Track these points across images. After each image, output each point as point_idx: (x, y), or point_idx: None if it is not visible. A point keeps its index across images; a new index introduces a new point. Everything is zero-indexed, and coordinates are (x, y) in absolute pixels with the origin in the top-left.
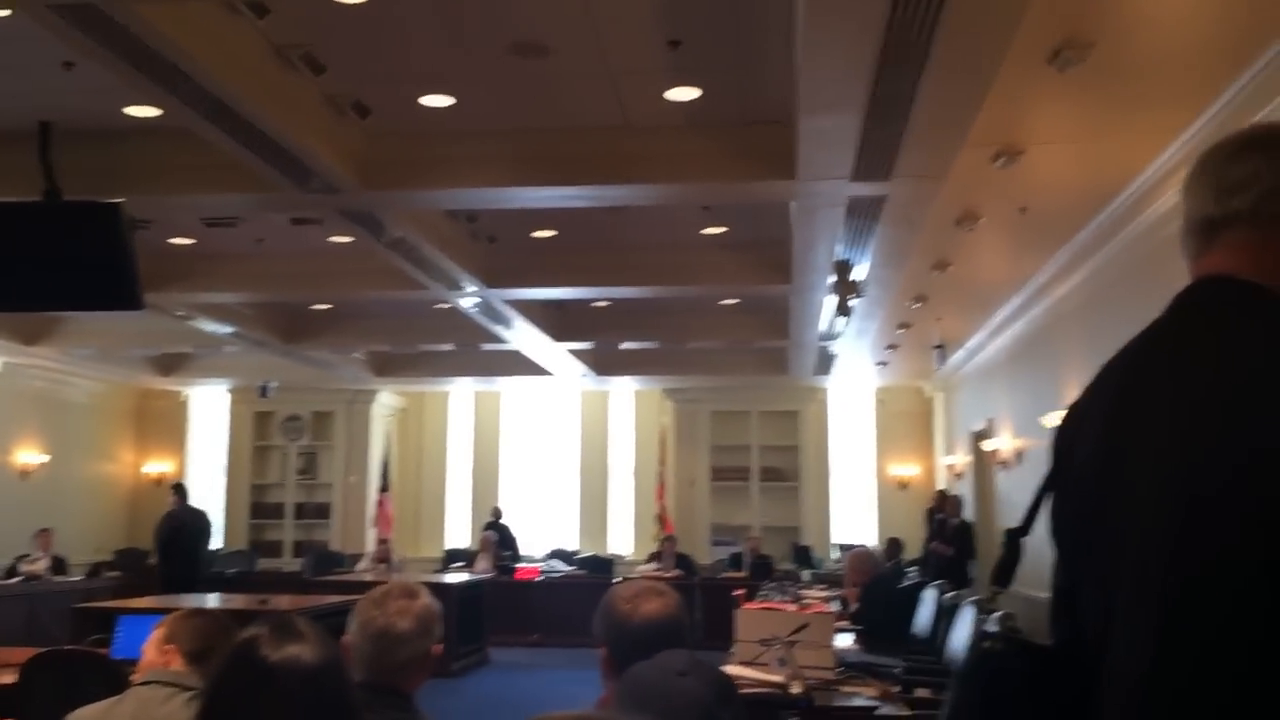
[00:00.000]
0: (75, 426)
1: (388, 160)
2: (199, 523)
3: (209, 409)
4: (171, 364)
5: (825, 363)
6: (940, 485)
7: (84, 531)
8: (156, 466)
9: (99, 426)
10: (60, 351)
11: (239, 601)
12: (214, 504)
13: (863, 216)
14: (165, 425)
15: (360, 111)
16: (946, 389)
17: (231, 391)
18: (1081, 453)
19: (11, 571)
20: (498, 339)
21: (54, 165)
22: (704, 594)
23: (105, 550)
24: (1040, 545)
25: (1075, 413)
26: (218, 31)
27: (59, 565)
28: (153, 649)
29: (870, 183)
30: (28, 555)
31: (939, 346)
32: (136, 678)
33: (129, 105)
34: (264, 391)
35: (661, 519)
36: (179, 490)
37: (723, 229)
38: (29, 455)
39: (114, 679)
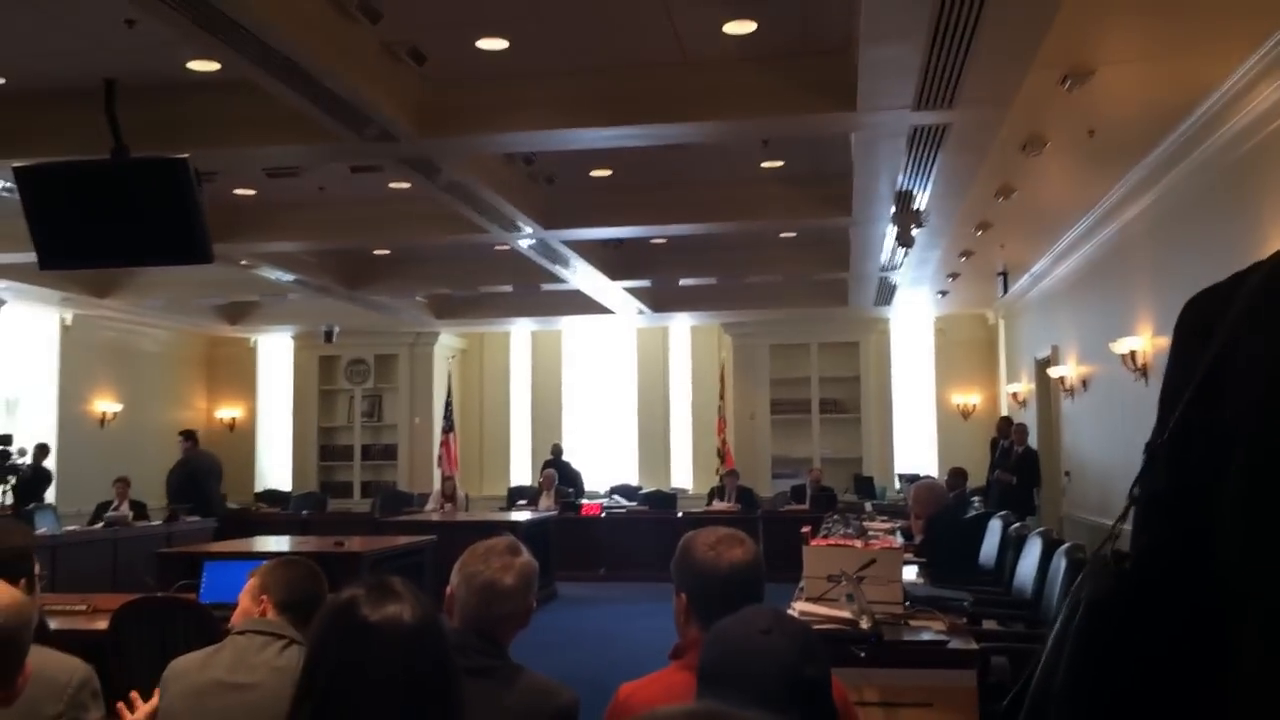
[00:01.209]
0: (148, 375)
1: (445, 106)
2: (213, 466)
3: (276, 355)
4: (238, 312)
5: (886, 293)
6: (1004, 413)
7: (161, 476)
8: (228, 412)
9: (171, 374)
10: (130, 303)
11: (313, 543)
12: (283, 447)
13: (925, 146)
14: (234, 372)
15: (416, 58)
16: (1010, 316)
17: (296, 337)
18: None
19: (96, 518)
20: (556, 279)
21: (120, 122)
22: (766, 527)
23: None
24: (1100, 468)
25: (1219, 301)
26: None
27: (140, 510)
28: (247, 598)
29: (933, 111)
30: (111, 502)
31: (1002, 274)
32: (233, 626)
33: (190, 60)
34: (328, 336)
35: (722, 453)
36: (189, 436)
37: (780, 163)
38: (105, 404)
39: (204, 623)
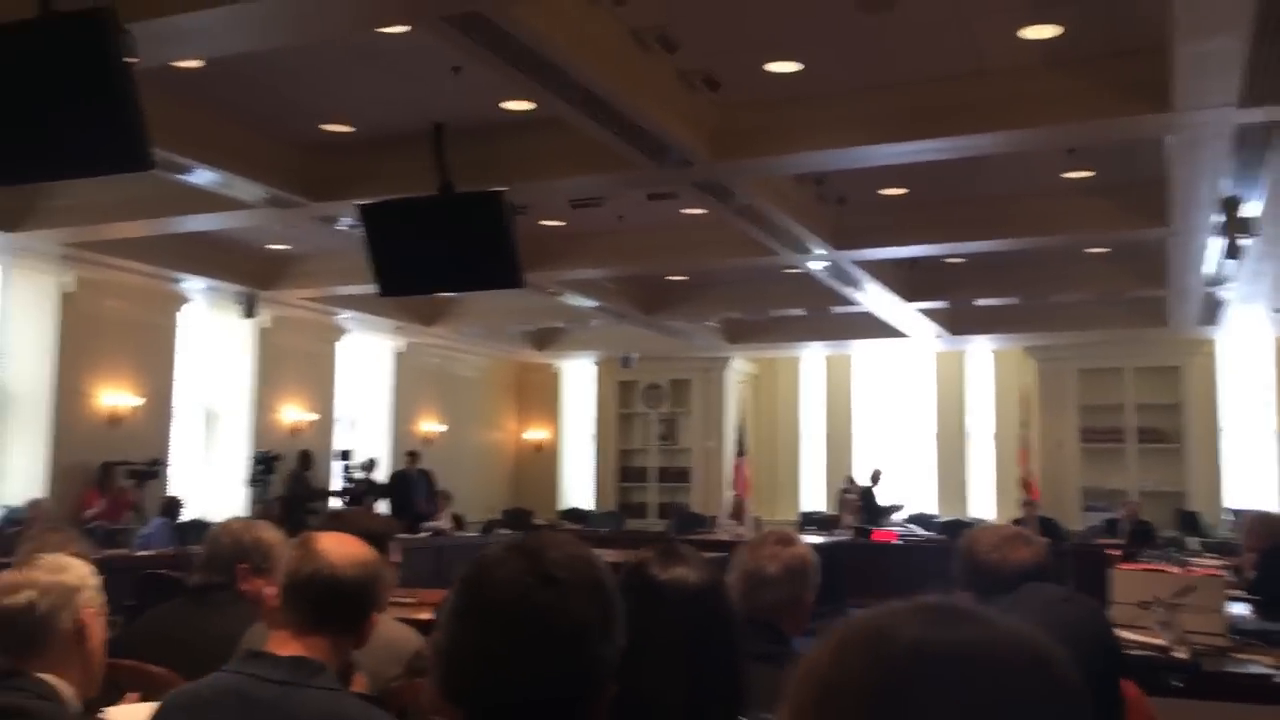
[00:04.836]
0: (466, 398)
1: (738, 130)
2: (425, 480)
3: (578, 380)
4: (545, 339)
5: (1211, 311)
6: None
7: (477, 492)
8: (535, 434)
9: (486, 398)
10: (452, 331)
11: (612, 557)
12: (586, 468)
13: (1253, 145)
14: (541, 396)
15: (711, 85)
16: None
17: (597, 364)
18: None
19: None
20: (848, 301)
21: (446, 162)
22: (1076, 560)
23: (495, 509)
24: None
25: None
26: (581, 22)
27: (459, 522)
28: None
29: (1262, 107)
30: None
31: None
32: None
33: (507, 101)
34: (626, 362)
35: (1026, 483)
36: (413, 456)
37: (1088, 173)
38: (430, 424)
39: None
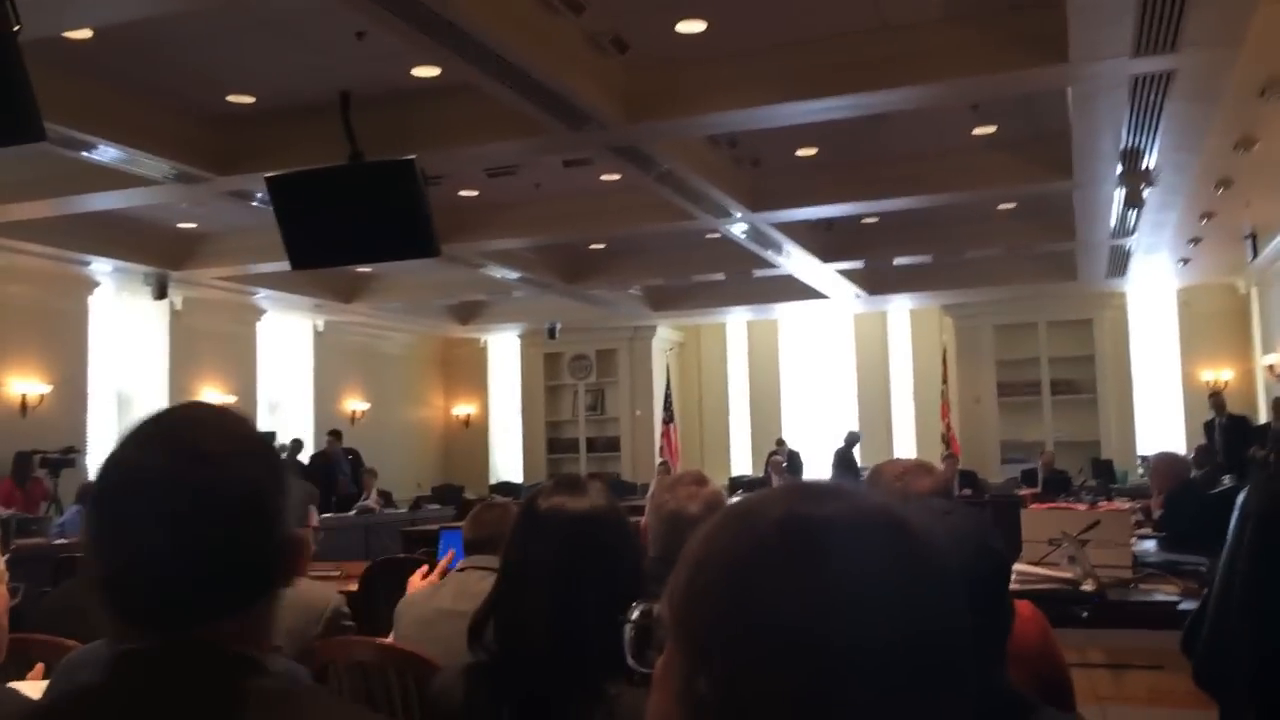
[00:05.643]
0: (391, 375)
1: (648, 91)
2: (349, 459)
3: (504, 353)
4: (469, 312)
5: (1119, 263)
6: (1261, 388)
7: (405, 469)
8: (463, 409)
9: (411, 374)
10: (373, 307)
11: None
12: (516, 441)
13: (1149, 96)
14: (468, 371)
15: (619, 46)
16: (1264, 283)
17: (522, 336)
18: None
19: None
20: (769, 264)
21: (355, 130)
22: (995, 511)
23: (424, 485)
24: None
25: None
26: None
27: (387, 500)
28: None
29: (1154, 57)
30: (362, 493)
31: (1250, 236)
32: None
33: (415, 67)
34: (551, 333)
35: (947, 439)
36: (335, 435)
37: (993, 128)
38: (355, 403)
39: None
